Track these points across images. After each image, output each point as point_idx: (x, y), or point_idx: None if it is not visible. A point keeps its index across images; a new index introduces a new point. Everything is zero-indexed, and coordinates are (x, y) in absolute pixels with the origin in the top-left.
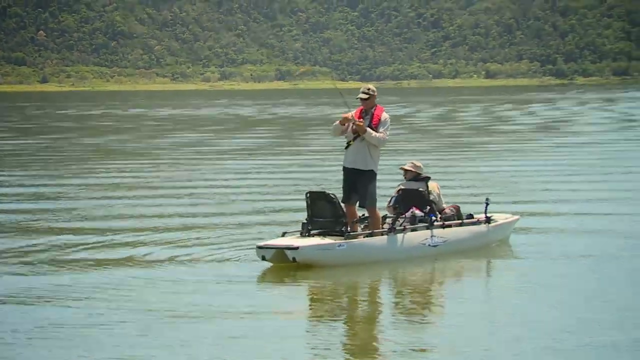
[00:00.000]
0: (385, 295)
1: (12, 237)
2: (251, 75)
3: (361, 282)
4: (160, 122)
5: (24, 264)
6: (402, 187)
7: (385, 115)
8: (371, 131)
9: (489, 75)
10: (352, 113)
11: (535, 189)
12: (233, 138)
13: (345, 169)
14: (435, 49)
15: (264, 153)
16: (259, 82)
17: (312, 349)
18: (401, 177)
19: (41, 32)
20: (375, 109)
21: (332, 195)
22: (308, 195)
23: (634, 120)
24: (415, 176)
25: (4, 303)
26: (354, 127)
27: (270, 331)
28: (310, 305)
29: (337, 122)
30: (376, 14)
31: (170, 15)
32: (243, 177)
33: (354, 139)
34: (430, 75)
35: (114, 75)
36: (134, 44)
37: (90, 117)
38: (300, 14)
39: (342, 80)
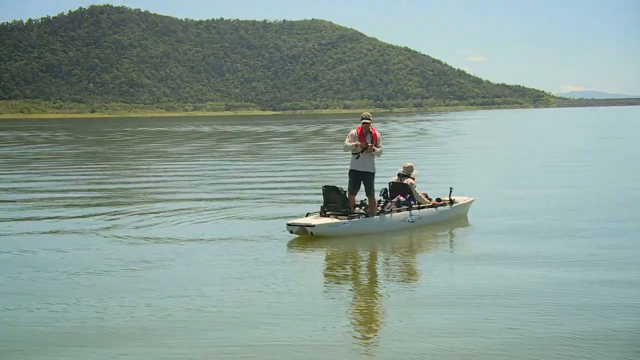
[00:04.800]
0: (380, 259)
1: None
2: (211, 107)
3: (360, 249)
4: (178, 135)
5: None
6: (393, 181)
7: (379, 134)
8: (376, 149)
9: (345, 107)
10: (356, 131)
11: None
12: (231, 144)
13: (355, 171)
14: (315, 92)
15: (253, 156)
16: (215, 111)
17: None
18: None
19: (91, 84)
20: (372, 129)
21: (340, 188)
22: (324, 188)
23: (461, 133)
24: (406, 173)
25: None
26: (365, 145)
27: (293, 281)
28: (322, 265)
29: (352, 144)
30: (282, 72)
31: (165, 74)
32: (257, 172)
33: (362, 151)
34: (313, 107)
35: (132, 109)
36: (143, 90)
37: (129, 132)
38: (238, 72)
39: (262, 110)
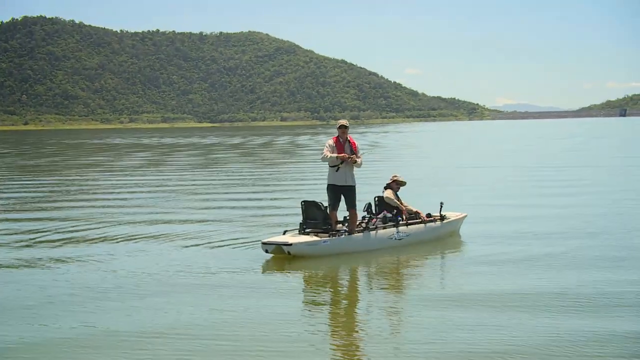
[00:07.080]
0: (362, 283)
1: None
2: (147, 119)
3: (341, 271)
4: (118, 147)
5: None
6: (379, 196)
7: (357, 143)
8: (357, 159)
9: (282, 119)
10: (332, 141)
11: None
12: (182, 157)
13: (334, 186)
14: (252, 105)
15: (206, 169)
16: (151, 123)
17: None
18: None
19: (24, 96)
20: (349, 138)
21: (321, 203)
22: (303, 203)
23: (414, 146)
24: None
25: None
26: (346, 157)
27: (268, 309)
28: (301, 290)
29: (334, 156)
30: (219, 84)
31: (99, 86)
32: (216, 187)
33: (342, 163)
34: (250, 119)
35: (67, 121)
36: (78, 102)
37: (70, 145)
38: (174, 84)
39: (199, 122)
